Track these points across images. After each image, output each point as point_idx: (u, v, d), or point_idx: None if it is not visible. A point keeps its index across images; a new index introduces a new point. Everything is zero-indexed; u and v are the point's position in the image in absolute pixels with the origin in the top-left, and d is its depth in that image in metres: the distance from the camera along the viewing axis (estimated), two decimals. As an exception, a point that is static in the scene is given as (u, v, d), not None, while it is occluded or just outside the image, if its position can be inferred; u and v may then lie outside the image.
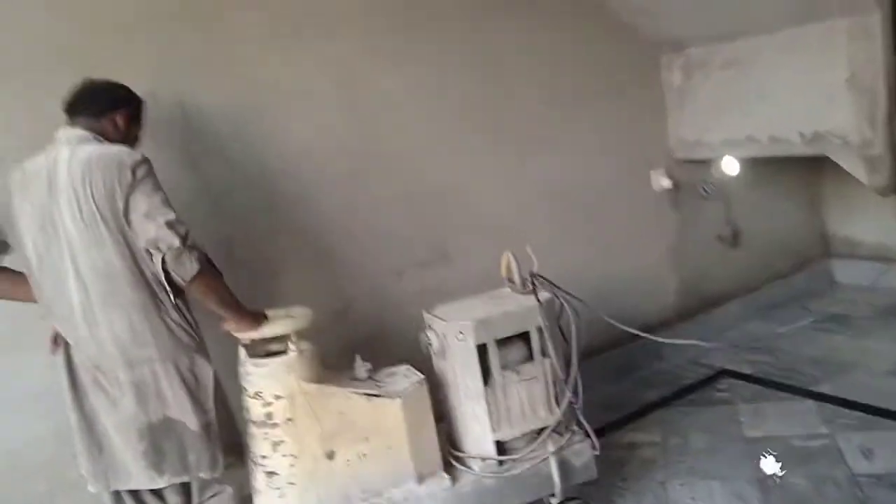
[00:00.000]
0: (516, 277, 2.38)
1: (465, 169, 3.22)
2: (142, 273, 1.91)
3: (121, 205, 1.86)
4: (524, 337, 2.34)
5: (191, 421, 1.99)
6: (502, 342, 2.31)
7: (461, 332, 2.23)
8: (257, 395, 2.05)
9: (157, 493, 2.10)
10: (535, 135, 3.41)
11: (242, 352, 2.12)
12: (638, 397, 3.44)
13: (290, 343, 2.06)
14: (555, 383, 2.40)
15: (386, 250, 3.01)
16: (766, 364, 3.57)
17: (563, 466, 2.36)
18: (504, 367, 2.31)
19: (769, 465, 2.68)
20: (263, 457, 2.07)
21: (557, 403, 2.39)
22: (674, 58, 3.71)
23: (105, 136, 2.05)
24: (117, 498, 2.08)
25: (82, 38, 2.37)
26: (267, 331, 2.08)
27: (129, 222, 1.87)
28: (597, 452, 2.41)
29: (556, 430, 2.39)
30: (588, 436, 2.41)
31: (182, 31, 2.55)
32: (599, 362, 3.63)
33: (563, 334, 2.39)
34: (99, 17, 2.39)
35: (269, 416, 2.05)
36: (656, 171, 3.82)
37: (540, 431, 2.36)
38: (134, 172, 1.89)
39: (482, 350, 2.26)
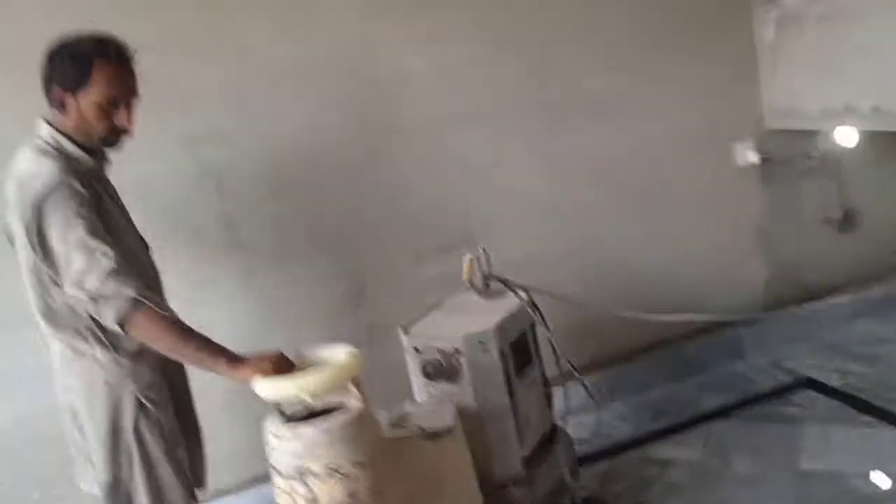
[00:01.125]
0: (477, 281, 2.13)
1: (500, 143, 2.92)
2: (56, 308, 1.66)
3: (35, 239, 1.58)
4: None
5: (100, 470, 1.71)
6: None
7: (481, 342, 1.98)
8: (333, 471, 1.55)
9: None
10: (587, 102, 3.02)
11: (275, 422, 1.61)
12: (695, 403, 3.03)
13: (352, 389, 1.64)
14: (546, 384, 2.25)
15: (404, 234, 2.83)
16: (860, 376, 3.00)
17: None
18: (516, 374, 2.09)
19: (879, 478, 2.30)
20: None
21: (550, 404, 2.26)
22: (769, 8, 3.14)
23: (63, 128, 1.64)
24: None
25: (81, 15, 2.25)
26: (321, 380, 1.56)
27: (48, 264, 1.60)
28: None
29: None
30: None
31: (180, 8, 2.47)
32: (667, 356, 3.27)
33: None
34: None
35: (353, 495, 1.57)
36: (742, 143, 3.29)
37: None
38: (41, 210, 1.56)
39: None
